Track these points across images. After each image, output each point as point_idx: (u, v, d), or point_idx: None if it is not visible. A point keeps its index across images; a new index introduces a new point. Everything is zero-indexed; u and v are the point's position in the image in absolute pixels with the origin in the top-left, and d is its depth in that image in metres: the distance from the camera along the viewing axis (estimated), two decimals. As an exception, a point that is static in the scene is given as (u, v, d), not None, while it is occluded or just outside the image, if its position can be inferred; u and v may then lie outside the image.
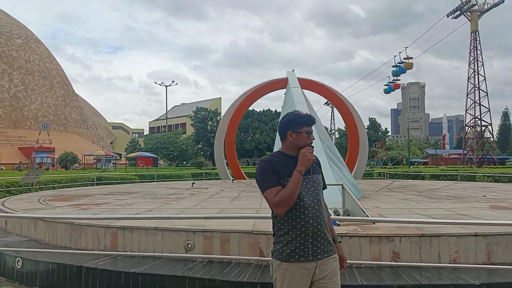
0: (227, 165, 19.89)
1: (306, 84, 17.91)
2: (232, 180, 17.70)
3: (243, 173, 19.76)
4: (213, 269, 4.57)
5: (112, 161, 49.55)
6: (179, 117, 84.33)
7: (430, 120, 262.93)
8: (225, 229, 4.98)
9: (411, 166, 44.28)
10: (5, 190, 15.48)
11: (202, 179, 23.14)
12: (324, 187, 2.53)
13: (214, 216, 5.85)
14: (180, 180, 21.85)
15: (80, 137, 77.59)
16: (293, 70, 18.82)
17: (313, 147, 2.38)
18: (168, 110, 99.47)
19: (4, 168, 37.22)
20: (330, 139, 12.58)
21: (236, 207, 8.12)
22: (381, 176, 23.64)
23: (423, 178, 22.13)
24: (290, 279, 2.29)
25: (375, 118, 67.89)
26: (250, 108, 60.44)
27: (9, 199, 9.91)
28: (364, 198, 9.57)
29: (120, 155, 56.70)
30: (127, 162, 49.13)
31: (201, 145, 53.99)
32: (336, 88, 22.27)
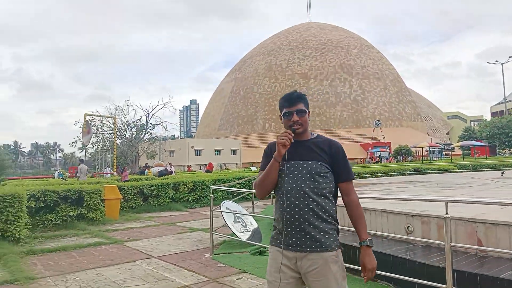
0: None
1: None
2: None
3: None
4: (417, 253, 4.63)
5: (443, 152, 48.32)
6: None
7: None
8: (438, 215, 4.84)
9: None
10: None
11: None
12: (345, 178, 2.25)
13: (411, 199, 5.59)
14: (497, 170, 19.46)
15: (414, 130, 79.29)
16: None
17: (294, 129, 2.20)
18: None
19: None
20: None
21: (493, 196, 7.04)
22: None
23: None
24: (270, 262, 2.27)
25: None
26: None
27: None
28: None
29: (450, 145, 54.33)
30: (460, 152, 46.59)
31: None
32: None
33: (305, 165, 2.19)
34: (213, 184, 14.34)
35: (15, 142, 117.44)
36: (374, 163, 40.44)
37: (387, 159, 49.10)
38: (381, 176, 19.46)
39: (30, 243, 7.68)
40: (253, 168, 29.91)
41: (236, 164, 54.80)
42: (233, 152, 66.84)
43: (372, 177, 19.28)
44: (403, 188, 10.05)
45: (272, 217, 7.23)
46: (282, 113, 2.29)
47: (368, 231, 5.56)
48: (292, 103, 2.26)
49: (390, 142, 59.46)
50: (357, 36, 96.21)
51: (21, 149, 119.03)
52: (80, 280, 5.17)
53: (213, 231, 6.62)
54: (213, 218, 6.79)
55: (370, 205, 6.04)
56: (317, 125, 79.85)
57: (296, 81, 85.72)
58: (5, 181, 24.52)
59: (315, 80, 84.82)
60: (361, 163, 40.12)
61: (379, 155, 51.29)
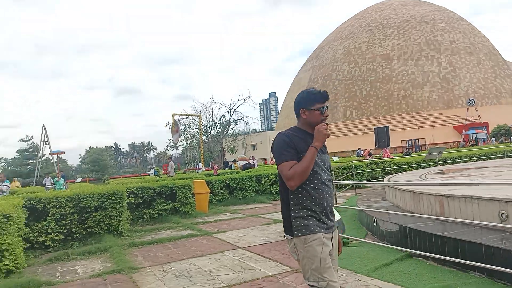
0: None
1: None
2: None
3: None
4: None
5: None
6: None
7: None
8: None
9: None
10: (420, 166, 17.90)
11: None
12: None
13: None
14: None
15: (516, 107, 71.32)
16: None
17: (327, 123, 2.40)
18: None
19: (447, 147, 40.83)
20: None
21: None
22: None
23: None
24: (320, 250, 2.31)
25: None
26: None
27: (397, 175, 11.84)
28: None
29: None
30: None
31: None
32: None
33: (326, 157, 2.51)
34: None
35: (115, 144, 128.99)
36: (469, 146, 37.27)
37: (484, 141, 44.90)
38: (476, 160, 18.03)
39: (131, 236, 8.52)
40: (335, 158, 29.42)
41: (319, 154, 54.35)
42: (315, 142, 66.22)
43: (466, 161, 17.94)
44: (500, 172, 9.22)
45: (356, 207, 7.15)
46: (317, 107, 2.41)
47: (457, 219, 5.30)
48: (326, 99, 2.45)
49: (487, 122, 54.23)
50: (444, 9, 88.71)
51: (121, 150, 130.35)
52: (175, 269, 5.66)
53: (295, 223, 6.75)
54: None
55: (458, 192, 5.70)
56: (403, 108, 75.56)
57: (378, 63, 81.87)
58: (109, 180, 27.24)
59: (398, 60, 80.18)
60: (454, 147, 37.26)
61: (475, 137, 47.11)
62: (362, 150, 38.64)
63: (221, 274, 5.21)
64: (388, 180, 9.84)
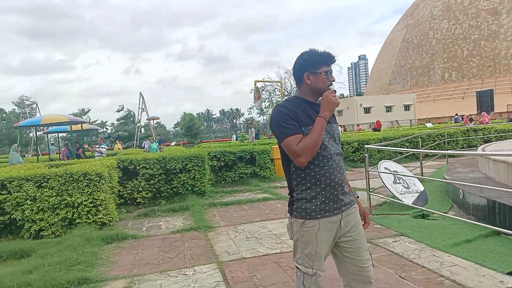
0: None
1: None
2: None
3: None
4: None
5: None
6: None
7: None
8: None
9: None
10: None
11: None
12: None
13: None
14: None
15: None
16: None
17: (335, 90, 2.12)
18: None
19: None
20: None
21: None
22: None
23: None
24: (317, 237, 2.08)
25: None
26: None
27: (496, 143, 10.66)
28: None
29: None
30: None
31: None
32: None
33: (334, 127, 2.21)
34: (379, 143, 13.87)
35: (207, 110, 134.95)
36: None
37: None
38: None
39: (212, 197, 8.98)
40: (429, 125, 27.52)
41: (410, 120, 51.09)
42: (406, 107, 62.27)
43: None
44: None
45: (441, 179, 6.62)
46: (324, 71, 2.12)
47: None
48: (332, 61, 2.15)
49: None
50: None
51: (212, 116, 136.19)
52: (247, 231, 5.86)
53: (369, 191, 6.51)
54: (371, 179, 6.66)
55: None
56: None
57: (483, 19, 73.13)
58: (200, 144, 28.85)
59: (508, 14, 70.65)
60: None
61: None
62: (461, 116, 35.54)
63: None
64: (483, 149, 8.94)
